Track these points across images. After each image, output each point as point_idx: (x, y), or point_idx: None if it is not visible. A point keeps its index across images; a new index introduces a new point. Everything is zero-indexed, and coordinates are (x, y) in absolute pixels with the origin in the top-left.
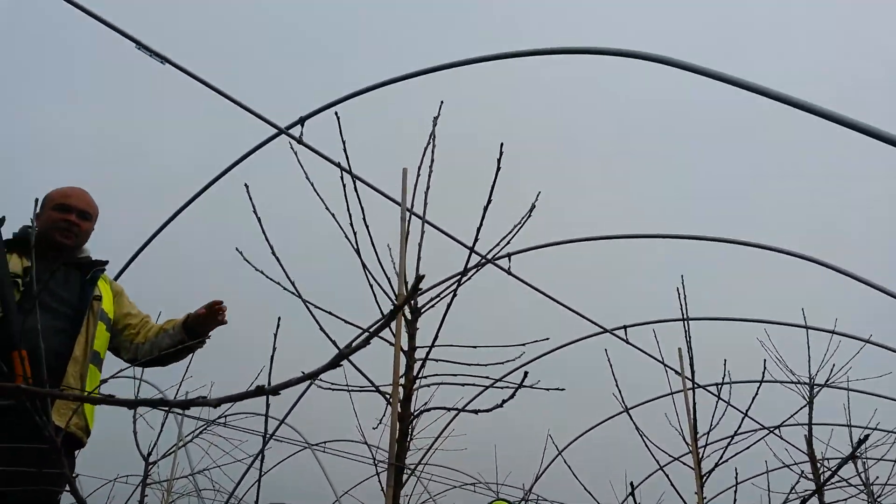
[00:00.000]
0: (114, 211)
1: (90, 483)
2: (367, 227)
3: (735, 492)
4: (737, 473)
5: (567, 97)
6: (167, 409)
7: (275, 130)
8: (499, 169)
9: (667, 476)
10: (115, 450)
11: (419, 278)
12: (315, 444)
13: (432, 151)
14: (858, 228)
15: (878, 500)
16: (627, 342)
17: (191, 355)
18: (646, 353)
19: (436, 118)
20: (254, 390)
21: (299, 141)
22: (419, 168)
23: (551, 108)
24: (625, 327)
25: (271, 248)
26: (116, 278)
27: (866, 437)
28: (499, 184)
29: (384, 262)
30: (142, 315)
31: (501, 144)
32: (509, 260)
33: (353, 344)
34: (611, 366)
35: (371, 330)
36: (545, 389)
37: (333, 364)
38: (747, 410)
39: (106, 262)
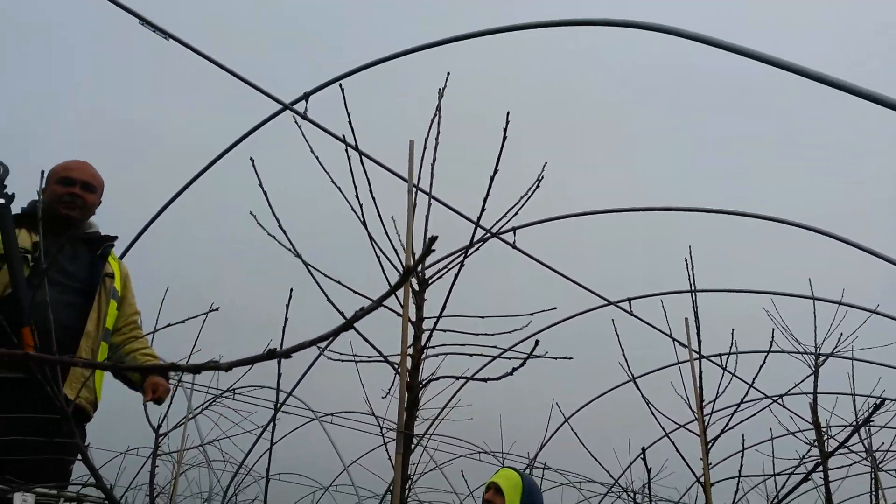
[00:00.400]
0: (119, 190)
1: (101, 455)
2: (373, 199)
3: (742, 457)
4: (743, 440)
5: (573, 70)
6: (179, 373)
7: (279, 107)
8: (505, 138)
9: (672, 443)
10: (126, 422)
11: (432, 240)
12: (323, 415)
13: (438, 124)
14: (865, 200)
15: (881, 465)
16: (632, 314)
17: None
18: (650, 325)
19: (441, 90)
20: (265, 353)
21: (304, 116)
22: (426, 140)
23: (556, 82)
24: (629, 300)
25: (277, 220)
26: (122, 256)
27: (881, 401)
28: (504, 158)
29: (391, 235)
30: (136, 317)
31: (508, 113)
32: (514, 234)
33: (364, 308)
34: (617, 336)
35: (381, 296)
36: (553, 358)
37: (344, 328)
38: (753, 381)
39: (115, 238)
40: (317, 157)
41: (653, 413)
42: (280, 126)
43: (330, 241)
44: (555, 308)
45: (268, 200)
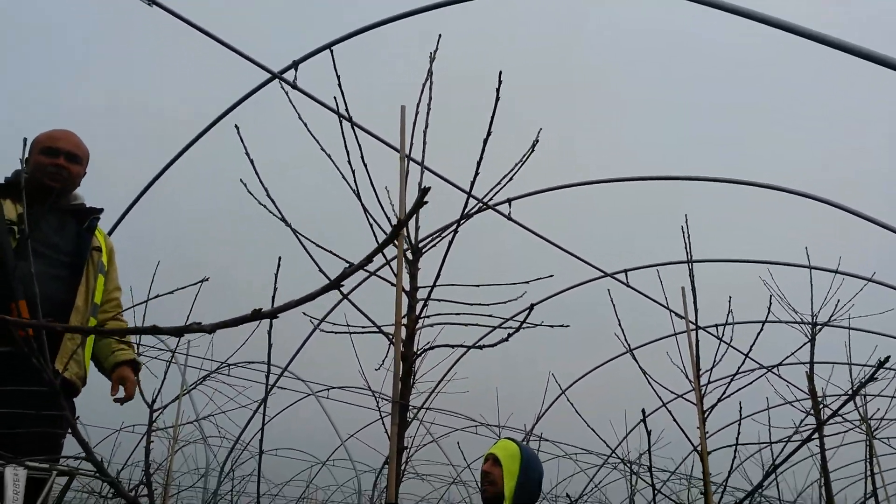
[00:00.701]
0: (109, 162)
1: (96, 433)
2: (365, 165)
3: (739, 426)
4: (741, 409)
5: (566, 34)
6: (161, 336)
7: (268, 76)
8: (498, 99)
9: (670, 412)
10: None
11: (424, 191)
12: (318, 390)
13: (430, 89)
14: (862, 167)
15: (875, 433)
16: (628, 285)
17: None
18: (647, 296)
19: (433, 53)
20: (251, 314)
21: (293, 86)
22: (417, 106)
23: (551, 46)
24: (625, 271)
25: (265, 189)
26: (113, 228)
27: (883, 361)
28: (500, 126)
29: (383, 203)
30: (118, 293)
31: (500, 73)
32: (509, 205)
33: (352, 265)
34: (614, 307)
35: (370, 252)
36: (550, 326)
37: (331, 287)
38: (749, 351)
39: (101, 210)
40: (305, 125)
41: (650, 384)
42: (271, 96)
43: (322, 210)
44: (551, 276)
45: (255, 168)
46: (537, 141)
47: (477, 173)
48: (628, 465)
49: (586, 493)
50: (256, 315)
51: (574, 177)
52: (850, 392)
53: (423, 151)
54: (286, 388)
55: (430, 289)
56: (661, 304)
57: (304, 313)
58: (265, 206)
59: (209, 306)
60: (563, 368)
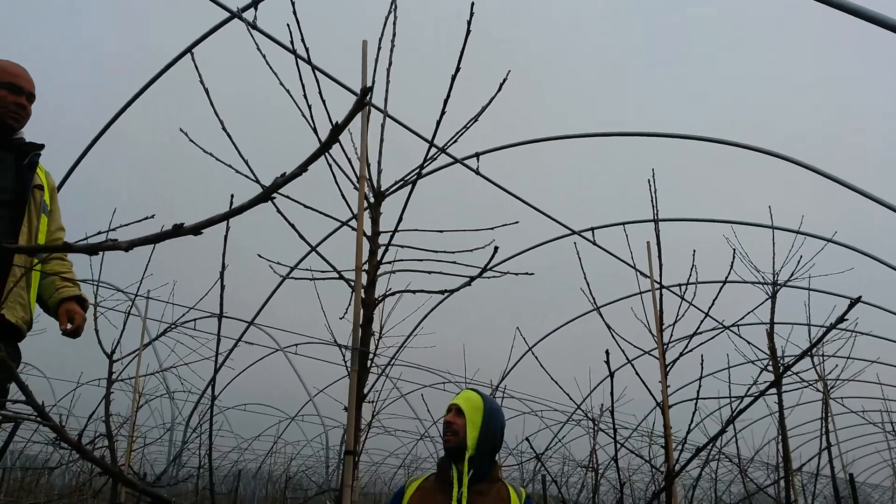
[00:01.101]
0: (68, 104)
1: (59, 387)
2: (323, 101)
3: (699, 383)
4: (702, 363)
5: None
6: (75, 251)
7: (227, 15)
8: (469, 32)
9: (634, 368)
10: (80, 351)
11: (362, 95)
12: (287, 346)
13: (394, 24)
14: (830, 126)
15: (830, 391)
16: (595, 244)
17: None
18: (613, 255)
19: None
20: (172, 230)
21: (253, 26)
22: (379, 41)
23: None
24: (592, 229)
25: (221, 123)
26: (69, 173)
27: (838, 322)
28: (473, 82)
29: (345, 146)
30: (61, 233)
31: (472, 4)
32: (478, 160)
33: (285, 174)
34: (581, 266)
35: (310, 156)
36: (515, 274)
37: (261, 199)
38: (709, 309)
39: (42, 147)
40: (264, 57)
41: (615, 340)
42: (234, 39)
43: (282, 157)
44: (516, 222)
45: (210, 100)
46: (505, 81)
47: (444, 112)
48: (592, 420)
49: (551, 447)
50: (178, 230)
51: (545, 133)
52: (804, 350)
53: (386, 96)
54: (253, 343)
55: (391, 234)
56: (627, 263)
57: (268, 262)
58: (211, 154)
59: (168, 260)
60: (530, 326)
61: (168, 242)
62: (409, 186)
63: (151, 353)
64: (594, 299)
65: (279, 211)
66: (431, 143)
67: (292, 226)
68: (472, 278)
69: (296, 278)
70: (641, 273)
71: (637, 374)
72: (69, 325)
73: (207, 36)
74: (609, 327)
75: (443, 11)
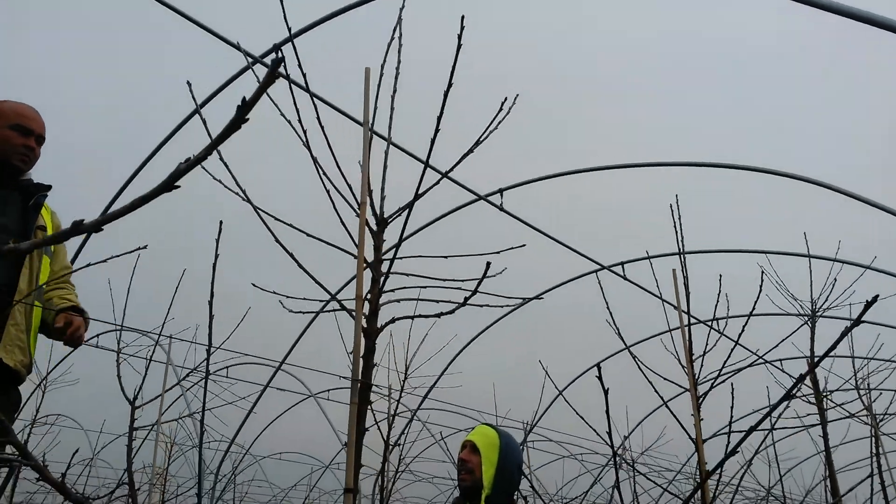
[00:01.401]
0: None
1: (101, 439)
2: (321, 127)
3: (731, 409)
4: (732, 388)
5: (564, 20)
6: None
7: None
8: (459, 46)
9: (669, 409)
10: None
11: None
12: (318, 392)
13: (399, 50)
14: (861, 150)
15: (880, 424)
16: (625, 279)
17: None
18: (644, 288)
19: (401, 9)
20: (71, 228)
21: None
22: (382, 67)
23: (546, 34)
24: (622, 263)
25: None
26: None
27: (856, 324)
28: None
29: (347, 175)
30: (67, 272)
31: (462, 18)
32: (501, 195)
33: (194, 156)
34: (607, 305)
35: (227, 127)
36: (523, 300)
37: (166, 187)
38: (738, 337)
39: (49, 187)
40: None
41: (649, 381)
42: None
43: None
44: (523, 245)
45: (205, 128)
46: (505, 101)
47: (437, 129)
48: (632, 465)
49: (593, 493)
50: (76, 229)
51: (567, 167)
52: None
53: (391, 119)
54: (284, 389)
55: (390, 261)
56: (658, 297)
57: (277, 296)
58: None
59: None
60: (563, 363)
61: (188, 285)
62: (409, 211)
63: (182, 401)
64: (623, 338)
65: (273, 234)
66: (427, 165)
67: (306, 271)
68: (466, 299)
69: (301, 312)
70: (672, 306)
71: (671, 412)
72: (61, 324)
73: (229, 84)
74: (640, 366)
75: (461, 37)
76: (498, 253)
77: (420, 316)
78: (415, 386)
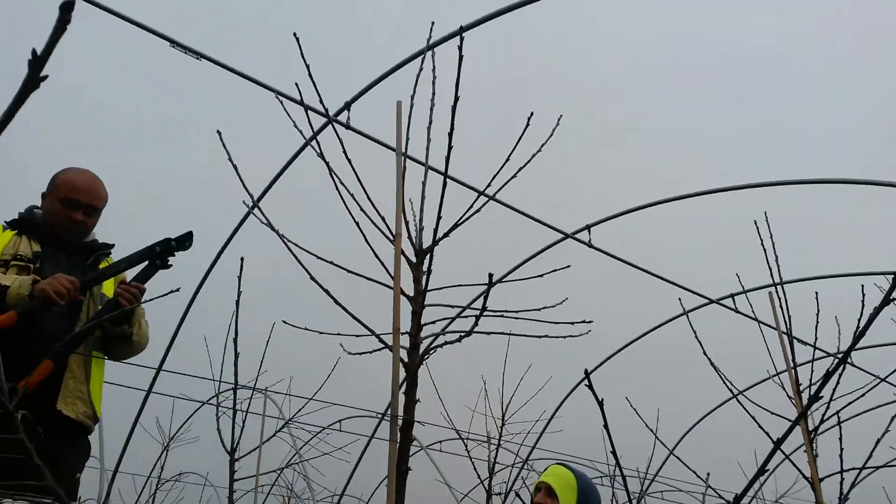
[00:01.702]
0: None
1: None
2: (349, 160)
3: (840, 441)
4: (839, 420)
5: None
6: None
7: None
8: (461, 58)
9: (783, 452)
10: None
11: None
12: (430, 444)
13: (433, 83)
14: (861, 151)
15: None
16: (737, 311)
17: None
18: (759, 320)
19: (433, 43)
20: None
21: (347, 126)
22: (412, 97)
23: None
24: (732, 296)
25: (244, 185)
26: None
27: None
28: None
29: (378, 205)
30: None
31: (461, 27)
32: (589, 232)
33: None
34: (704, 351)
35: None
36: (570, 323)
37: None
38: (846, 356)
39: (111, 246)
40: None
41: (761, 427)
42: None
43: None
44: (568, 266)
45: (238, 174)
46: (528, 125)
47: (450, 146)
48: None
49: None
50: None
51: (653, 196)
52: None
53: (427, 150)
54: (385, 439)
55: (423, 294)
56: (772, 328)
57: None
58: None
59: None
60: (668, 409)
61: (280, 340)
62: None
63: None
64: (731, 384)
65: (293, 254)
66: (445, 175)
67: (347, 310)
68: (475, 324)
69: (358, 353)
70: (797, 340)
71: (786, 455)
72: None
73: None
74: (753, 417)
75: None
76: (542, 276)
77: (447, 343)
78: (513, 433)
